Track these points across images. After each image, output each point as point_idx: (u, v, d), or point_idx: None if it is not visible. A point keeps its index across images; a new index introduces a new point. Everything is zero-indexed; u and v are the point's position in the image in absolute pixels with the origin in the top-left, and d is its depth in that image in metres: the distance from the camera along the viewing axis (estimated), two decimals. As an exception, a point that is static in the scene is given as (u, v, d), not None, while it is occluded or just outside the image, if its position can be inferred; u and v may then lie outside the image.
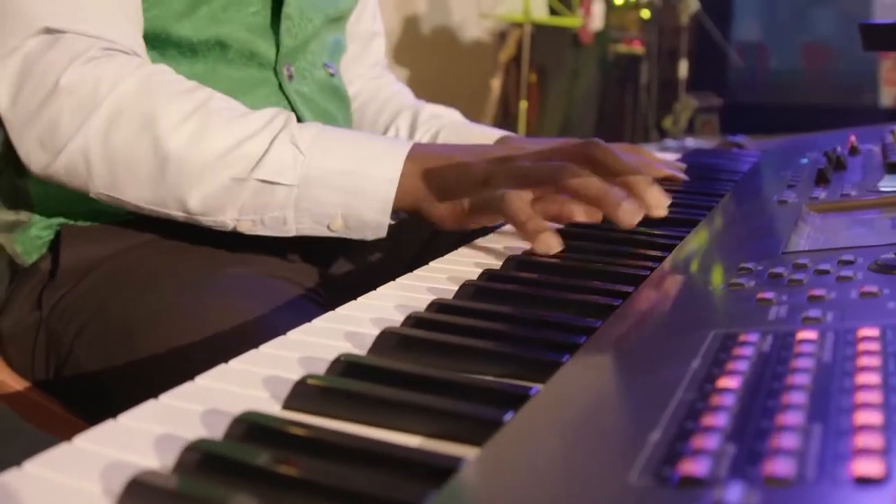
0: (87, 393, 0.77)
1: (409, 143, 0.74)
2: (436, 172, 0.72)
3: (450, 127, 1.05)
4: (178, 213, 0.73)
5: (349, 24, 1.07)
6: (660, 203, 0.68)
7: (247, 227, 0.74)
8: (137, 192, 0.72)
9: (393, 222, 0.74)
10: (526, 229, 0.66)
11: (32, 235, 0.83)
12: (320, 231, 0.74)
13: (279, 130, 0.72)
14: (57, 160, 0.71)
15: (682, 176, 0.95)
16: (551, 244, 0.65)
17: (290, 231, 0.74)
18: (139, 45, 0.76)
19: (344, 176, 0.71)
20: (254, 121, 0.72)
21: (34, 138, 0.71)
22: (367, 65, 1.16)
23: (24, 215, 0.82)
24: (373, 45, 1.16)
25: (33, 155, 0.72)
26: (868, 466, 0.28)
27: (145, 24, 0.79)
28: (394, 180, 0.71)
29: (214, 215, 0.73)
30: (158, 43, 0.80)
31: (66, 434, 0.49)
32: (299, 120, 0.88)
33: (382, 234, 0.74)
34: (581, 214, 0.68)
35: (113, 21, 0.73)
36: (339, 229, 0.73)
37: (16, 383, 0.83)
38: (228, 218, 0.73)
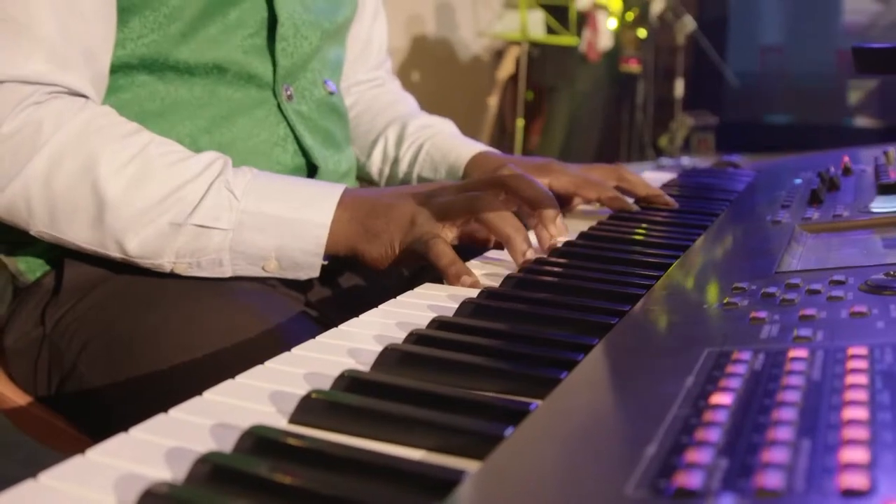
0: (89, 408, 0.78)
1: (340, 189, 0.77)
2: (364, 217, 0.76)
3: (434, 139, 1.07)
4: (116, 255, 0.75)
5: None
6: (559, 234, 0.78)
7: (183, 269, 0.76)
8: (77, 234, 0.74)
9: (325, 263, 0.77)
10: (448, 273, 0.70)
11: (37, 253, 0.84)
12: (255, 272, 0.77)
13: (216, 176, 0.74)
14: None
15: (670, 199, 0.98)
16: (471, 284, 0.69)
17: (227, 272, 0.76)
18: (90, 82, 0.77)
19: (277, 221, 0.74)
20: (192, 166, 0.74)
21: None
22: (367, 68, 1.16)
23: (28, 235, 0.83)
24: (372, 48, 1.16)
25: None
26: (854, 479, 0.29)
27: (143, 48, 0.80)
28: (325, 226, 0.75)
29: (152, 259, 0.75)
30: (157, 67, 0.82)
31: (68, 448, 0.50)
32: (298, 140, 0.90)
33: (315, 274, 0.77)
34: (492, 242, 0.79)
35: (57, 64, 0.73)
36: (273, 270, 0.77)
37: (18, 398, 0.83)
38: (165, 261, 0.75)
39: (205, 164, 0.75)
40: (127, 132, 0.74)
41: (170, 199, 0.73)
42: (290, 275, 0.77)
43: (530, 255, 0.72)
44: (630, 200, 0.98)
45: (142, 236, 0.73)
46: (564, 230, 0.78)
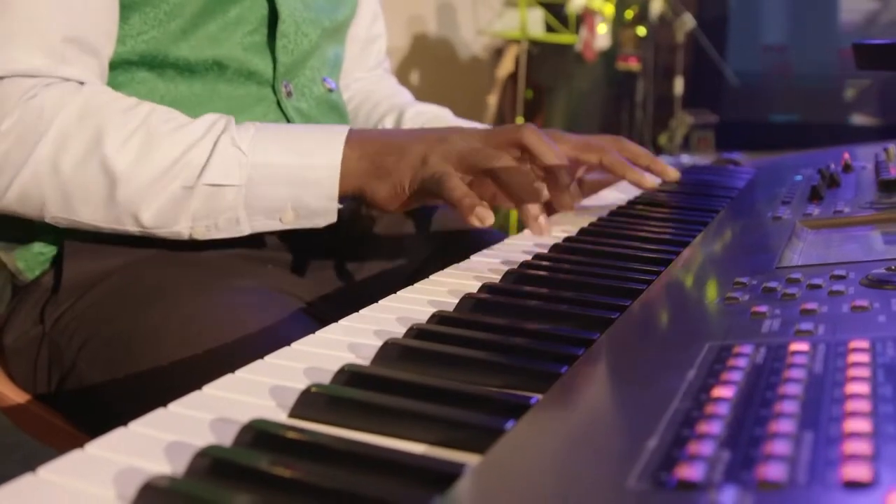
0: (89, 406, 0.78)
1: (345, 128, 0.77)
2: (375, 155, 0.75)
3: (431, 123, 1.07)
4: (133, 229, 0.75)
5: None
6: (568, 204, 0.78)
7: (202, 233, 0.76)
8: (92, 214, 0.74)
9: (341, 206, 0.76)
10: (462, 205, 0.69)
11: (35, 252, 0.84)
12: (273, 225, 0.76)
13: (220, 134, 0.74)
14: (7, 193, 0.72)
15: (671, 170, 0.97)
16: (485, 217, 0.69)
17: (245, 230, 0.76)
18: (91, 71, 0.77)
19: (287, 169, 0.74)
20: (195, 129, 0.74)
21: None
22: (366, 68, 1.17)
23: (27, 232, 0.83)
24: (372, 49, 1.17)
25: None
26: (857, 471, 0.29)
27: (143, 45, 0.80)
28: (335, 167, 0.74)
29: (169, 226, 0.75)
30: (156, 64, 0.82)
31: (67, 446, 0.49)
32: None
33: (333, 219, 0.77)
34: (508, 203, 0.78)
35: (58, 60, 0.73)
36: (290, 221, 0.76)
37: (17, 396, 0.83)
38: (183, 227, 0.75)
39: (208, 124, 0.75)
40: (127, 106, 0.74)
41: (178, 164, 0.72)
42: (307, 223, 0.77)
43: (543, 220, 0.72)
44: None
45: (156, 206, 0.73)
46: (579, 197, 0.77)
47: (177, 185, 0.72)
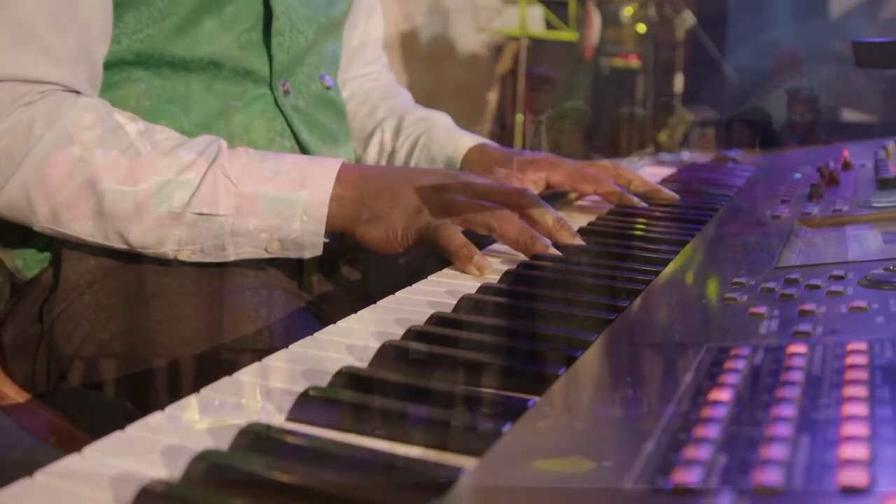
0: (88, 404, 0.78)
1: (336, 164, 0.76)
2: (367, 198, 0.75)
3: (431, 132, 1.07)
4: (121, 246, 0.75)
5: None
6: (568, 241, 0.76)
7: (187, 256, 0.76)
8: (80, 228, 0.74)
9: (328, 241, 0.76)
10: (460, 255, 0.70)
11: (34, 250, 0.84)
12: (259, 253, 0.76)
13: (211, 162, 0.74)
14: None
15: (670, 194, 0.98)
16: (483, 266, 0.69)
17: (230, 256, 0.76)
18: (86, 78, 0.77)
19: (275, 202, 0.74)
20: (186, 153, 0.74)
21: None
22: (363, 63, 1.16)
23: (25, 231, 0.83)
24: (368, 44, 1.17)
25: None
26: (854, 476, 0.29)
27: (138, 44, 0.80)
28: (323, 204, 0.74)
29: (155, 248, 0.75)
30: (152, 62, 0.81)
31: (67, 445, 0.49)
32: (296, 135, 0.90)
33: (318, 252, 0.77)
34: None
35: (52, 62, 0.73)
36: (276, 251, 0.76)
37: (16, 395, 0.83)
38: (169, 250, 0.75)
39: (199, 150, 0.74)
40: (119, 123, 0.74)
41: (167, 189, 0.72)
42: (293, 254, 0.77)
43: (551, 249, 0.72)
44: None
45: (143, 227, 0.73)
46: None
47: (164, 209, 0.72)
